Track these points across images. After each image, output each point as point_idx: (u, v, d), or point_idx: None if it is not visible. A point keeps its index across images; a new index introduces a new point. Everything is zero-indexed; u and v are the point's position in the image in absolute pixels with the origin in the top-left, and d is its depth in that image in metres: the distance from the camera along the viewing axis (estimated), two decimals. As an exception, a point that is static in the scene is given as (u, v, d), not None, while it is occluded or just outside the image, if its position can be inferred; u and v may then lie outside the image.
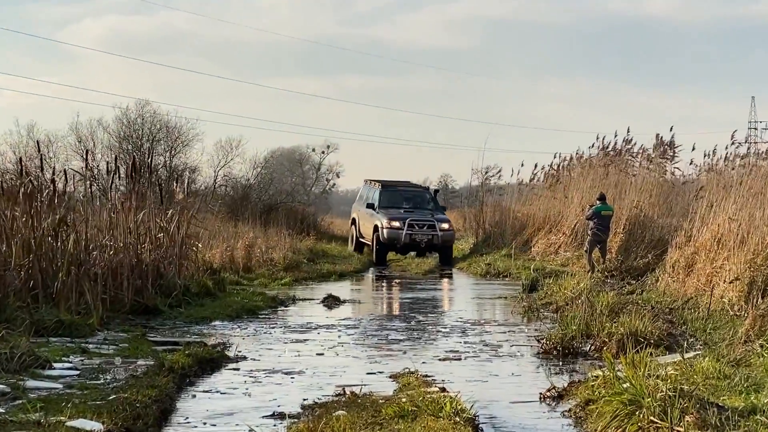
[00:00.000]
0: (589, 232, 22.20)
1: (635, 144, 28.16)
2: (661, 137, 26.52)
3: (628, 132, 28.51)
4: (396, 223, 28.41)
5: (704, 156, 23.82)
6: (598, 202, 22.35)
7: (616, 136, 28.99)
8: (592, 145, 30.34)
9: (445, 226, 28.90)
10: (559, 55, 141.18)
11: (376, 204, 29.95)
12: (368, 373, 9.46)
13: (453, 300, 19.15)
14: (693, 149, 25.72)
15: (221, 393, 8.39)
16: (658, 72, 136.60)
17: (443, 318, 15.02)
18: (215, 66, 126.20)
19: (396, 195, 30.66)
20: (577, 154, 31.95)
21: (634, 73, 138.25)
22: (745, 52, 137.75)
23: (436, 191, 33.77)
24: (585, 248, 22.37)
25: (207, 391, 8.45)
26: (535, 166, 35.03)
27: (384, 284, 22.65)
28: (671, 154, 26.15)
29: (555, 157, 34.00)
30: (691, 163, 25.56)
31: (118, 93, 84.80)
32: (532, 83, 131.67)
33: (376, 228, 28.86)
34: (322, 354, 10.76)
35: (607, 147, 29.29)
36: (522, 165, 36.88)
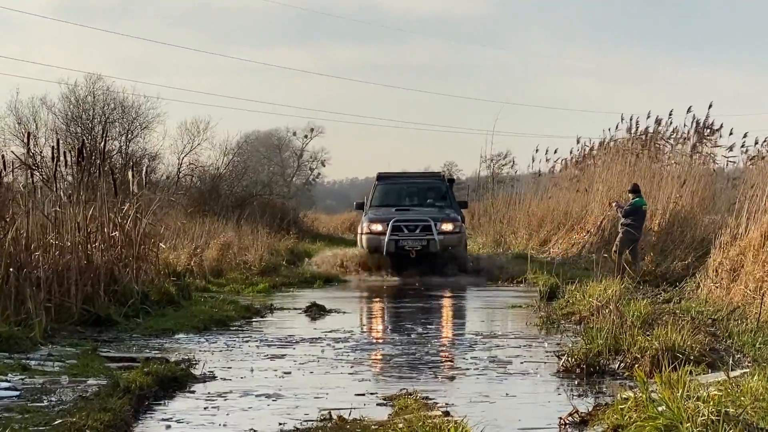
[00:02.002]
0: (620, 229, 22.20)
1: (673, 126, 28.26)
2: (702, 120, 26.60)
3: (671, 115, 28.44)
4: (377, 226, 25.34)
5: (755, 143, 24.02)
6: (631, 195, 22.35)
7: (648, 117, 29.07)
8: (616, 127, 30.46)
9: (448, 226, 25.38)
10: (585, 21, 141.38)
11: (368, 202, 27.38)
12: (358, 395, 9.47)
13: (458, 309, 19.17)
14: (745, 136, 25.81)
15: (185, 417, 8.38)
16: (702, 43, 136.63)
17: (447, 330, 15.05)
18: (180, 35, 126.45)
19: (395, 189, 27.81)
20: (603, 138, 32.07)
21: (673, 43, 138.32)
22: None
23: (451, 181, 30.27)
24: (614, 248, 22.38)
25: (169, 417, 8.44)
26: (555, 152, 34.98)
27: (378, 291, 22.65)
28: (718, 138, 26.23)
29: (578, 143, 34.14)
30: (742, 146, 25.67)
31: (65, 66, 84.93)
32: (552, 55, 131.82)
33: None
34: (304, 372, 10.77)
35: (638, 130, 29.37)
36: (536, 150, 36.20)
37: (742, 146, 25.87)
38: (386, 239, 24.85)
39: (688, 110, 26.74)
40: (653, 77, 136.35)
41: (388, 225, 24.98)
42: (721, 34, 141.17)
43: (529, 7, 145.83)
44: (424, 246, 24.88)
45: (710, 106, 26.39)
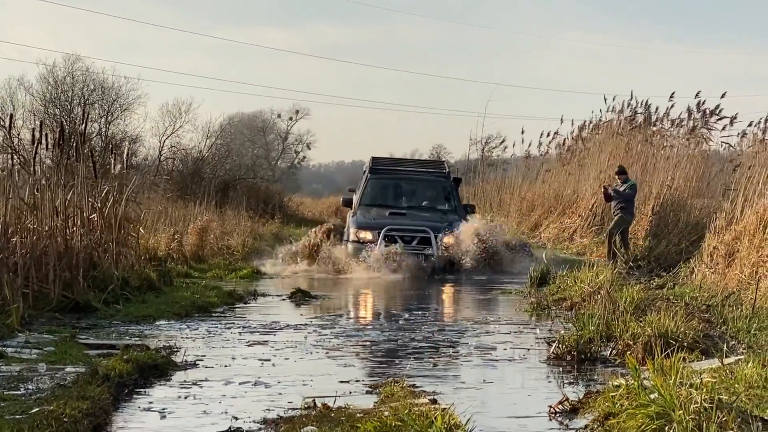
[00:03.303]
0: (614, 213, 22.17)
1: (669, 107, 28.39)
2: (695, 103, 26.66)
3: (671, 98, 28.48)
4: (365, 234, 22.16)
5: (749, 124, 24.09)
6: (621, 177, 22.31)
7: (646, 103, 29.13)
8: (603, 109, 30.58)
9: (451, 240, 22.14)
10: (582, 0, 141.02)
11: (357, 199, 24.13)
12: (343, 382, 9.48)
13: (448, 295, 19.19)
14: (735, 118, 25.87)
15: (167, 405, 8.38)
16: (699, 22, 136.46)
17: (435, 316, 15.05)
18: (162, 14, 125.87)
19: (390, 184, 24.52)
20: (594, 120, 32.17)
21: (672, 25, 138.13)
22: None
23: (458, 180, 26.05)
24: (606, 233, 22.39)
25: (149, 406, 8.44)
26: (549, 134, 35.07)
27: (365, 277, 22.63)
28: (719, 121, 26.25)
29: (561, 122, 34.21)
30: (730, 121, 25.71)
31: (44, 46, 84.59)
32: (547, 36, 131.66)
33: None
34: (288, 359, 10.77)
35: (631, 110, 29.45)
36: (539, 135, 36.22)
37: (731, 120, 25.86)
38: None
39: (696, 94, 26.79)
40: (650, 60, 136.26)
41: (379, 234, 21.78)
42: (719, 14, 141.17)
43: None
44: (421, 262, 21.69)
45: (723, 95, 26.42)
